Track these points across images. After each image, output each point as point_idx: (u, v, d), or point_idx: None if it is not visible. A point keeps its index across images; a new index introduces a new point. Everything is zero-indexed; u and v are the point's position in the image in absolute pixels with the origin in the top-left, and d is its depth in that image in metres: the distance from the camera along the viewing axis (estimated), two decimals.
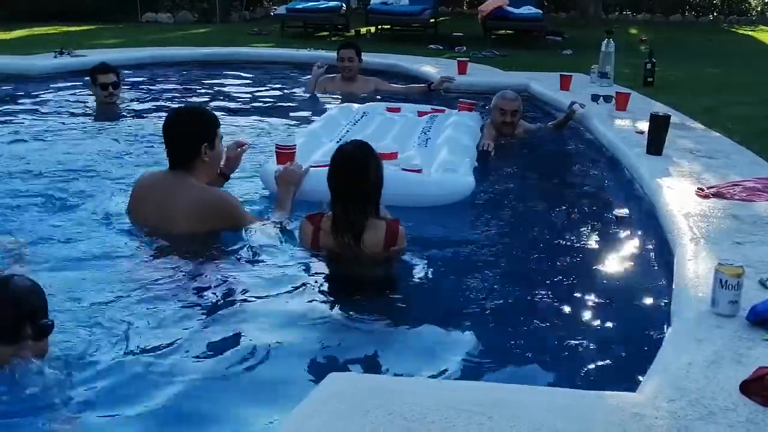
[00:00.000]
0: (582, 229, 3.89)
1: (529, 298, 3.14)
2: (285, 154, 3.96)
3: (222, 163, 3.71)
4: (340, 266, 3.24)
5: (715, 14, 18.01)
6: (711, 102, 6.84)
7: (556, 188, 4.66)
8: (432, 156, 4.34)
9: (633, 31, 14.24)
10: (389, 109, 5.47)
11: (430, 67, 8.20)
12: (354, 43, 7.03)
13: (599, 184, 4.74)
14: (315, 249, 3.26)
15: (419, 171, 3.99)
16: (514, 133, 5.43)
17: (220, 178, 3.77)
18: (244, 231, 3.44)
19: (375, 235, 3.17)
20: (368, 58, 8.72)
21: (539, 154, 5.35)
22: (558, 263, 3.48)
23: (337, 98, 6.72)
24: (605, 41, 7.09)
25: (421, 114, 5.42)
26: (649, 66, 7.44)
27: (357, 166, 3.17)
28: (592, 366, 2.59)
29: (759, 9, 17.88)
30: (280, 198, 3.76)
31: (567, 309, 3.04)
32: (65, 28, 11.70)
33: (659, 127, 4.59)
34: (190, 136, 3.45)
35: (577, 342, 2.73)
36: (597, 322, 2.92)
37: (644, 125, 4.84)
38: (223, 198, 3.53)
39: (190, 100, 6.86)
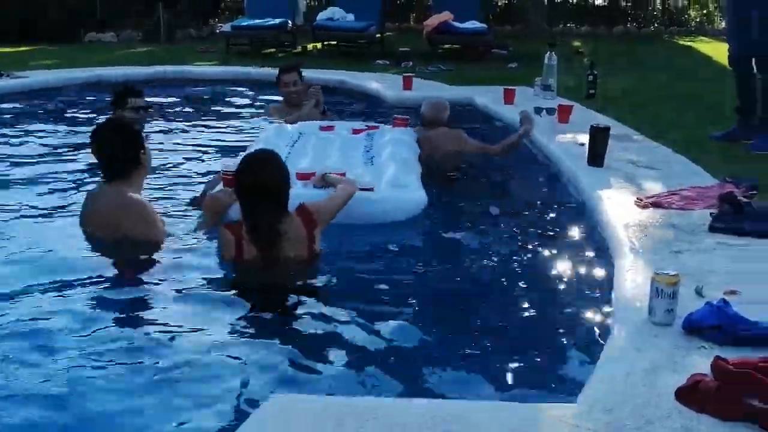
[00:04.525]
0: (524, 241, 3.93)
1: (471, 310, 3.18)
2: (230, 179, 3.93)
3: None
4: (267, 273, 3.30)
5: (656, 25, 18.39)
6: (652, 112, 6.97)
7: (499, 200, 4.71)
8: (380, 174, 4.34)
9: (576, 43, 14.48)
10: (323, 128, 5.40)
11: (377, 83, 8.24)
12: (296, 66, 6.57)
13: (542, 197, 4.81)
14: (239, 259, 3.29)
15: (371, 189, 4.00)
16: (465, 150, 5.45)
17: None
18: (164, 243, 3.55)
19: (294, 227, 3.32)
20: (316, 74, 8.77)
21: (483, 166, 5.39)
22: (500, 276, 3.53)
23: None
24: (548, 54, 7.21)
25: (355, 131, 5.37)
26: (591, 78, 7.57)
27: (262, 168, 3.33)
28: (533, 378, 2.62)
29: (698, 20, 18.31)
30: (204, 223, 3.79)
31: (509, 321, 3.08)
32: (3, 49, 11.48)
33: (599, 139, 4.68)
34: (130, 144, 3.63)
35: (519, 354, 2.76)
36: (539, 334, 2.96)
37: (586, 137, 4.92)
38: (146, 208, 3.62)
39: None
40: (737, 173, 4.56)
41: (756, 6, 5.34)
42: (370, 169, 4.46)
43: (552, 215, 4.38)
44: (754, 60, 5.52)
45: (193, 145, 5.85)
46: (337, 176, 3.95)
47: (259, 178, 3.29)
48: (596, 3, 18.57)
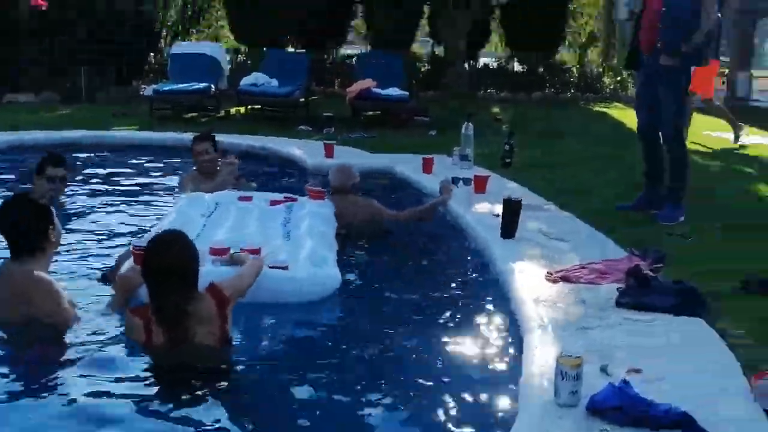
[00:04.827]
0: (437, 316, 3.96)
1: (378, 386, 3.17)
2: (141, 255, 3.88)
3: None
4: (177, 354, 3.23)
5: (572, 92, 19.06)
6: (565, 181, 7.17)
7: (414, 273, 4.75)
8: (297, 250, 4.31)
9: (495, 109, 14.87)
10: (241, 198, 5.35)
11: (299, 150, 8.28)
12: (209, 134, 6.39)
13: (457, 268, 4.87)
14: (148, 343, 3.24)
15: (285, 267, 3.98)
16: (376, 218, 5.50)
17: None
18: (73, 324, 3.47)
19: (204, 307, 3.27)
20: (238, 140, 8.79)
21: (399, 236, 5.44)
22: (411, 351, 3.54)
23: None
24: (465, 124, 7.38)
25: (273, 203, 5.35)
26: (507, 147, 7.76)
27: (168, 249, 3.28)
28: None
29: (612, 87, 19.05)
30: (115, 303, 3.73)
31: (417, 399, 3.08)
32: None
33: (511, 211, 4.79)
34: (38, 220, 3.54)
35: None
36: (447, 413, 2.96)
37: (500, 208, 5.01)
38: (54, 287, 3.51)
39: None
40: (644, 245, 4.72)
41: (662, 83, 5.58)
42: (287, 244, 4.45)
43: (465, 289, 4.44)
44: (660, 132, 5.74)
45: (106, 216, 5.73)
46: (245, 255, 3.91)
47: (165, 260, 3.24)
48: (515, 69, 19.17)
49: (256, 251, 4.03)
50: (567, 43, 22.42)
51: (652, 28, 5.52)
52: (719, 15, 5.42)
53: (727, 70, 23.28)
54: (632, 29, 5.92)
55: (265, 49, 15.22)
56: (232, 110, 12.28)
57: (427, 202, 5.93)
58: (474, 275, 4.67)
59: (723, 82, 22.54)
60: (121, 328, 3.46)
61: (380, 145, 9.07)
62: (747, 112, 17.36)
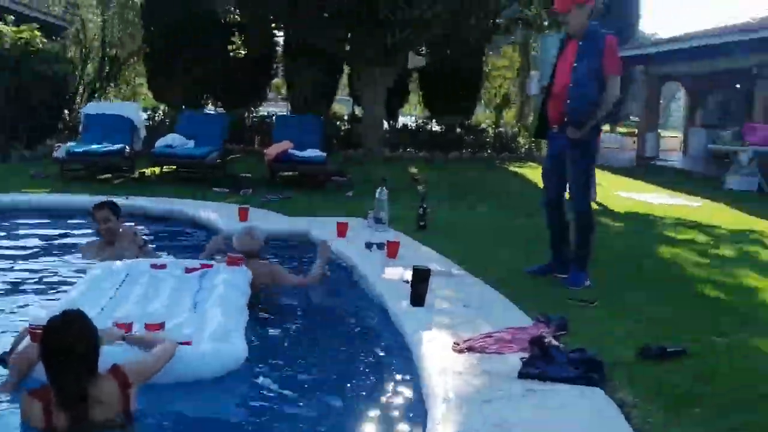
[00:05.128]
0: (344, 387, 3.94)
1: None
2: (38, 333, 3.75)
3: None
4: None
5: (489, 151, 19.53)
6: (478, 244, 7.29)
7: (322, 341, 4.72)
8: (203, 322, 4.23)
9: (413, 170, 15.08)
10: (154, 266, 5.26)
11: (213, 214, 8.21)
12: (108, 202, 6.26)
13: (367, 338, 4.86)
14: (47, 426, 3.13)
15: (189, 343, 3.91)
16: (278, 284, 5.50)
17: None
18: None
19: (106, 389, 3.20)
20: (151, 204, 8.68)
21: (307, 302, 5.43)
22: (317, 423, 3.51)
23: None
24: (379, 189, 7.47)
25: (188, 270, 5.26)
26: (422, 211, 7.87)
27: (66, 330, 3.18)
28: None
29: (527, 147, 19.61)
30: (11, 383, 3.60)
31: None
32: None
33: (420, 279, 4.84)
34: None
35: None
36: None
37: (411, 275, 5.05)
38: None
39: None
40: (550, 311, 4.83)
41: (570, 154, 5.76)
42: (193, 318, 4.36)
43: (374, 358, 4.43)
44: (569, 201, 5.91)
45: (5, 289, 5.52)
46: (152, 335, 3.84)
47: (65, 340, 3.15)
48: (434, 129, 19.56)
49: (159, 326, 3.96)
50: (483, 103, 23.08)
51: (560, 101, 5.73)
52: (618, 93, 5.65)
53: (636, 131, 24.34)
54: (541, 101, 6.12)
55: (184, 107, 15.22)
56: (148, 171, 12.14)
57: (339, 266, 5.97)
58: (383, 344, 4.67)
59: (633, 142, 23.54)
60: (17, 410, 3.33)
61: (297, 208, 9.10)
62: (655, 171, 18.11)
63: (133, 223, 6.14)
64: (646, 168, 19.11)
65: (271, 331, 4.84)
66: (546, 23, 17.70)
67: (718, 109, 23.08)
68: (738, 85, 20.83)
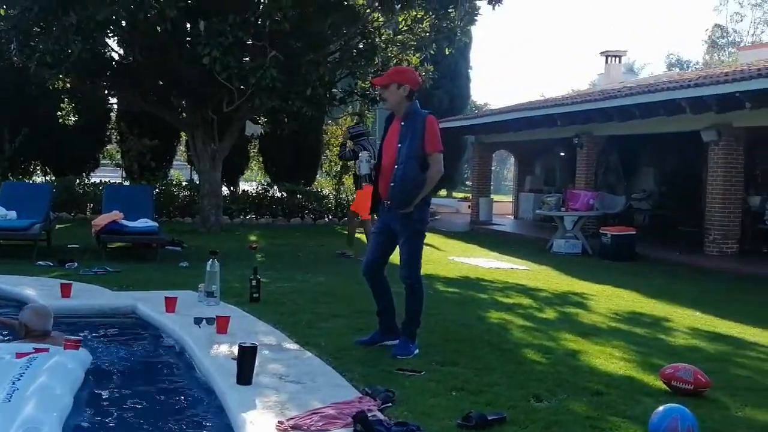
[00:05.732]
0: None
1: None
2: None
3: None
4: None
5: (330, 217, 19.71)
6: (312, 315, 7.24)
7: (145, 423, 4.51)
8: (15, 413, 3.91)
9: (253, 237, 14.95)
10: None
11: (32, 290, 7.76)
12: None
13: (192, 419, 4.68)
14: None
15: None
16: None
17: None
18: None
19: None
20: None
21: (133, 385, 5.19)
22: None
23: None
24: (210, 261, 7.30)
25: (19, 355, 4.87)
26: (254, 282, 7.77)
27: None
28: None
29: None
30: None
31: None
32: None
33: (246, 357, 4.74)
34: None
35: None
36: None
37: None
38: None
39: None
40: (378, 383, 4.85)
41: (399, 227, 5.91)
42: (5, 409, 4.03)
43: None
44: (400, 272, 6.02)
45: None
46: None
47: None
48: (276, 195, 19.55)
49: None
50: (324, 170, 23.39)
51: (387, 179, 5.88)
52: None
53: (470, 196, 25.34)
54: (374, 178, 6.25)
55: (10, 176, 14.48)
56: None
57: (167, 342, 5.76)
58: (209, 425, 4.52)
59: (469, 207, 24.48)
60: None
61: (125, 281, 8.75)
62: (488, 235, 18.85)
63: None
64: (478, 232, 19.87)
65: (91, 416, 4.55)
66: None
67: (545, 175, 24.50)
68: (562, 153, 22.21)
